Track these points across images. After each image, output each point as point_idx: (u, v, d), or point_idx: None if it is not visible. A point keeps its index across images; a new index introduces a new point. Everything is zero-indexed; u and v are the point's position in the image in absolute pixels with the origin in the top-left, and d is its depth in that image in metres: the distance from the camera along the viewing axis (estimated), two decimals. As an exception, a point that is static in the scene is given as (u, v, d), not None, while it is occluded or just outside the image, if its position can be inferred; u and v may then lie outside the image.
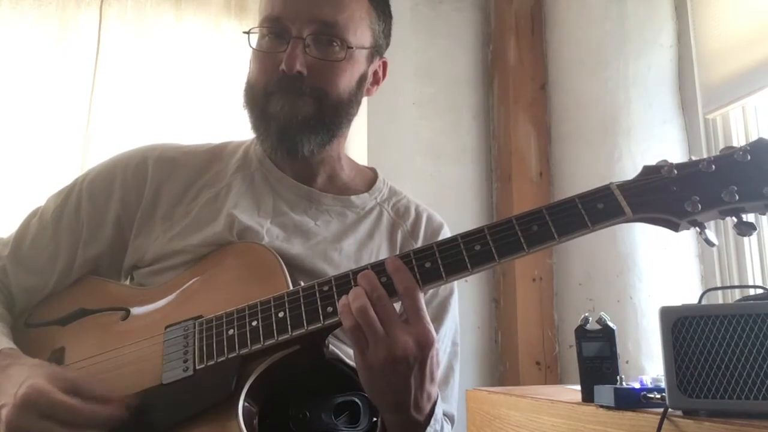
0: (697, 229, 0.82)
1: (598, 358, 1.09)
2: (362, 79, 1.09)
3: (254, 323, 0.86)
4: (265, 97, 1.03)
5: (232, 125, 2.18)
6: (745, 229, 0.80)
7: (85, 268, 1.08)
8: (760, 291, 0.97)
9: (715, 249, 1.90)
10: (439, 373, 0.90)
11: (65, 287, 1.08)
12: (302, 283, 0.89)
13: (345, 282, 0.85)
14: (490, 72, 2.62)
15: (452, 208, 2.42)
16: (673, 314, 0.86)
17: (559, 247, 2.31)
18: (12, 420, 0.79)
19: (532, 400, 1.27)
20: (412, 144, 2.46)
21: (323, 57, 1.02)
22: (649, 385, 0.98)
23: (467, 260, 0.83)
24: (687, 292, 1.91)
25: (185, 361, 0.88)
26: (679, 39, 2.10)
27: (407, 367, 0.79)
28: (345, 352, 0.97)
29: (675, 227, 0.82)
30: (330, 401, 0.96)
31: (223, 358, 0.86)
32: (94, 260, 1.08)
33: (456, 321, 1.13)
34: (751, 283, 1.83)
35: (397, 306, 0.82)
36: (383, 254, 1.08)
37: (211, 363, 0.86)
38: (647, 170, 0.85)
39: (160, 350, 0.91)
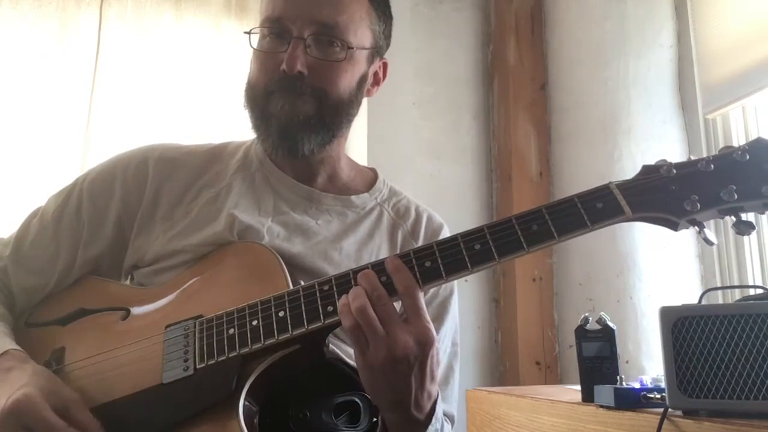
0: (697, 228, 0.82)
1: (598, 358, 1.09)
2: (362, 79, 1.09)
3: (255, 322, 0.86)
4: (265, 96, 1.04)
5: (233, 125, 2.18)
6: (743, 228, 0.80)
7: (85, 268, 1.08)
8: (760, 291, 0.97)
9: (715, 249, 1.90)
10: (439, 373, 0.90)
11: (65, 287, 1.08)
12: (302, 283, 0.89)
13: (345, 281, 0.85)
14: (490, 72, 2.62)
15: (452, 208, 2.42)
16: (673, 314, 0.86)
17: (558, 247, 2.31)
18: None
19: (532, 400, 1.27)
20: (412, 144, 2.46)
21: (324, 57, 1.02)
22: (649, 385, 0.98)
23: (467, 259, 0.83)
24: (687, 292, 1.91)
25: (185, 361, 0.88)
26: (679, 39, 2.10)
27: (407, 367, 0.79)
28: (345, 351, 0.97)
29: (674, 226, 0.82)
30: (330, 401, 0.96)
31: (223, 358, 0.86)
32: (94, 260, 1.08)
33: (456, 321, 1.13)
34: (751, 283, 1.83)
35: (398, 305, 0.83)
36: (383, 254, 1.08)
37: (211, 362, 0.86)
38: (646, 170, 0.85)
39: (160, 350, 0.91)
